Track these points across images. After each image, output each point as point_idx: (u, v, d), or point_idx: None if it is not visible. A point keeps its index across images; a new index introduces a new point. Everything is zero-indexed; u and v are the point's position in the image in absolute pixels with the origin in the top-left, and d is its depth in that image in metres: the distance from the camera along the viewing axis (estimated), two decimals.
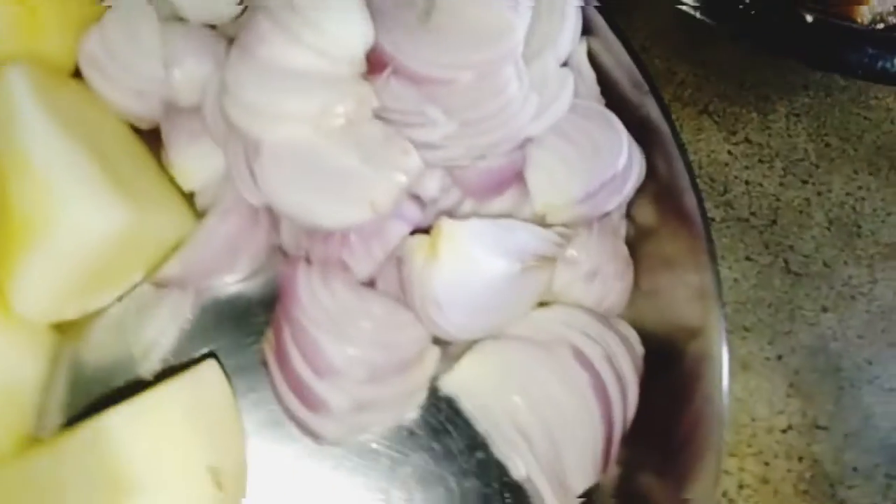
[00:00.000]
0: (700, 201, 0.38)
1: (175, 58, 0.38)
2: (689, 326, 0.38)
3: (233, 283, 0.41)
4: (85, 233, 0.32)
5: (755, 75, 0.51)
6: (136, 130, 0.40)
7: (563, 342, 0.37)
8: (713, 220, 0.47)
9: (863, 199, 0.49)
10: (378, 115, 0.36)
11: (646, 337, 0.39)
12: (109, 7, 0.38)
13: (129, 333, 0.38)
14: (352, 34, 0.35)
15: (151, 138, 0.40)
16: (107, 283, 0.36)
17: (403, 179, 0.35)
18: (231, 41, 0.38)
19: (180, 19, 0.40)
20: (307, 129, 0.35)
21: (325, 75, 0.35)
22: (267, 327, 0.39)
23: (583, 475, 0.37)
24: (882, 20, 0.49)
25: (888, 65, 0.42)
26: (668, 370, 0.38)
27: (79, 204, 0.32)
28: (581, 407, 0.36)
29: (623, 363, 0.37)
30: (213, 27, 0.40)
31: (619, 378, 0.37)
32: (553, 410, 0.37)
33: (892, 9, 0.49)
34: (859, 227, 0.48)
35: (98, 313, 0.38)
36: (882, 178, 0.50)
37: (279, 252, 0.41)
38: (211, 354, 0.38)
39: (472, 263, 0.35)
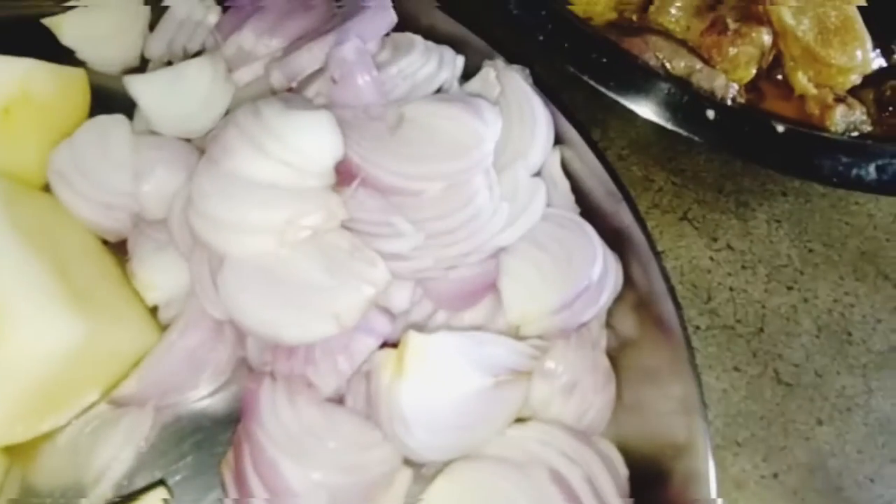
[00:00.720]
0: (679, 309, 0.37)
1: (146, 169, 0.38)
2: (675, 443, 0.36)
3: (196, 399, 0.39)
4: (37, 350, 0.31)
5: (733, 182, 0.51)
6: (106, 243, 0.40)
7: (540, 463, 0.35)
8: (698, 328, 0.46)
9: (851, 305, 0.48)
10: (346, 226, 0.36)
11: (630, 455, 0.37)
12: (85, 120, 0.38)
13: (82, 457, 0.36)
14: (320, 147, 0.35)
15: (121, 251, 0.40)
16: (60, 403, 0.35)
17: (370, 291, 0.34)
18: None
19: (154, 133, 0.40)
20: (272, 242, 0.35)
21: (292, 187, 0.35)
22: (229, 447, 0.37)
23: None
24: (856, 128, 0.50)
25: (863, 172, 0.42)
26: (655, 492, 0.36)
27: (31, 320, 0.31)
28: None
29: (605, 485, 0.35)
30: (187, 140, 0.41)
31: (599, 497, 0.34)
32: None
33: (863, 118, 0.50)
34: (850, 334, 0.47)
35: (50, 435, 0.36)
36: (870, 284, 0.49)
37: (245, 366, 0.39)
38: (160, 482, 0.35)
39: (440, 379, 0.34)
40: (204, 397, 0.39)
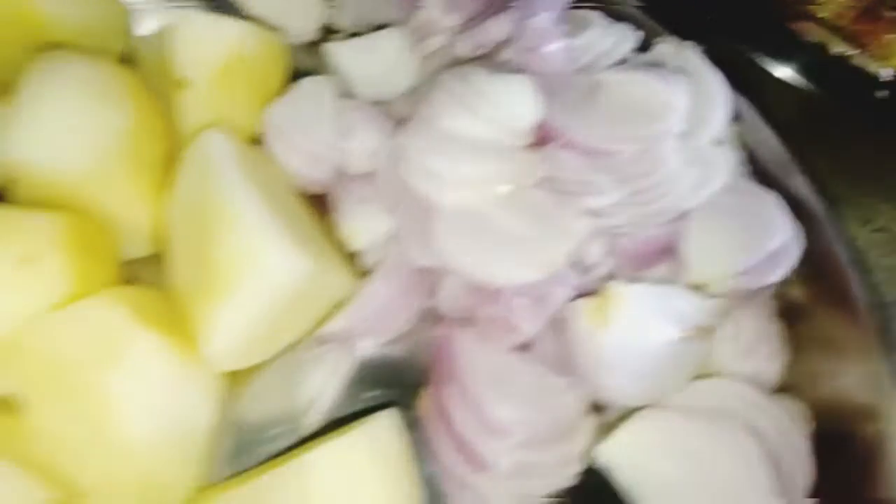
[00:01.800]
0: (860, 279, 0.39)
1: (350, 130, 0.41)
2: (860, 408, 0.37)
3: (384, 342, 0.41)
4: (277, 280, 0.34)
5: (892, 162, 0.52)
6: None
7: (732, 414, 0.36)
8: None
9: None
10: (543, 184, 0.38)
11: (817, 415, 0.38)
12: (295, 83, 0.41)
13: (292, 388, 0.39)
14: (522, 109, 0.38)
15: (314, 203, 0.43)
16: (279, 336, 0.38)
17: (573, 242, 0.36)
18: (397, 118, 0.42)
19: (352, 96, 0.43)
20: (479, 194, 0.37)
21: (497, 145, 0.38)
22: (415, 388, 0.39)
23: None
24: None
25: None
26: (838, 451, 0.37)
27: (274, 254, 0.34)
28: (752, 480, 0.35)
29: (794, 437, 0.36)
30: (379, 104, 0.44)
31: (793, 451, 0.36)
32: (718, 482, 0.36)
33: None
34: None
35: (262, 366, 0.39)
36: None
37: (427, 317, 0.42)
38: (387, 405, 0.38)
39: (640, 328, 0.36)
40: (390, 342, 0.42)
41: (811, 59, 0.44)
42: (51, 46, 0.39)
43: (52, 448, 0.32)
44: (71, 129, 0.35)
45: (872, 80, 0.45)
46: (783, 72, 0.45)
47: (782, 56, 0.44)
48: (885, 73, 0.49)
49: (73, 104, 0.35)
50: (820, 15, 0.53)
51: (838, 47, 0.50)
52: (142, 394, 0.32)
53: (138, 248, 0.38)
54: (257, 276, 0.34)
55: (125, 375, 0.32)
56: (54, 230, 0.32)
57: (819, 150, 0.51)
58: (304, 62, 0.47)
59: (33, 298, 0.31)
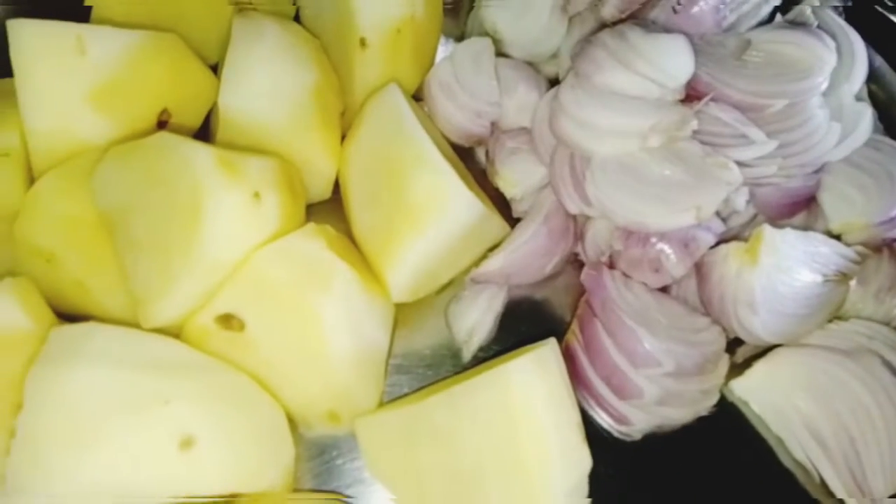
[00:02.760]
0: None
1: (509, 86, 0.44)
2: None
3: (533, 283, 0.45)
4: (460, 219, 0.39)
5: None
6: None
7: (870, 352, 0.39)
8: None
9: None
10: (694, 137, 0.41)
11: None
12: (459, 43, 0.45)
13: (452, 321, 0.43)
14: (678, 66, 0.41)
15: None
16: (448, 271, 0.42)
17: (726, 190, 0.39)
18: (548, 77, 0.45)
19: (506, 56, 0.47)
20: (635, 144, 0.40)
21: (652, 100, 0.41)
22: (560, 325, 0.43)
23: (884, 481, 0.38)
24: None
25: None
26: None
27: (458, 195, 0.39)
28: (890, 413, 0.38)
29: None
30: (530, 64, 0.47)
31: None
32: (856, 416, 0.39)
33: None
34: None
35: (426, 301, 0.43)
36: None
37: (572, 259, 0.46)
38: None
39: (786, 270, 0.39)
40: (539, 283, 0.45)
41: None
42: (238, 9, 0.43)
43: (262, 360, 0.37)
44: (273, 84, 0.40)
45: None
46: None
47: None
48: None
49: (273, 62, 0.40)
50: None
51: None
52: (343, 317, 0.37)
53: (322, 193, 0.43)
54: (445, 214, 0.39)
55: (332, 300, 0.37)
56: (272, 172, 0.37)
57: None
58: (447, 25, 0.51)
59: (258, 231, 0.36)
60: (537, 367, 0.34)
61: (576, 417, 0.37)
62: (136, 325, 0.35)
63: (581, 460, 0.36)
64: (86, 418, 0.30)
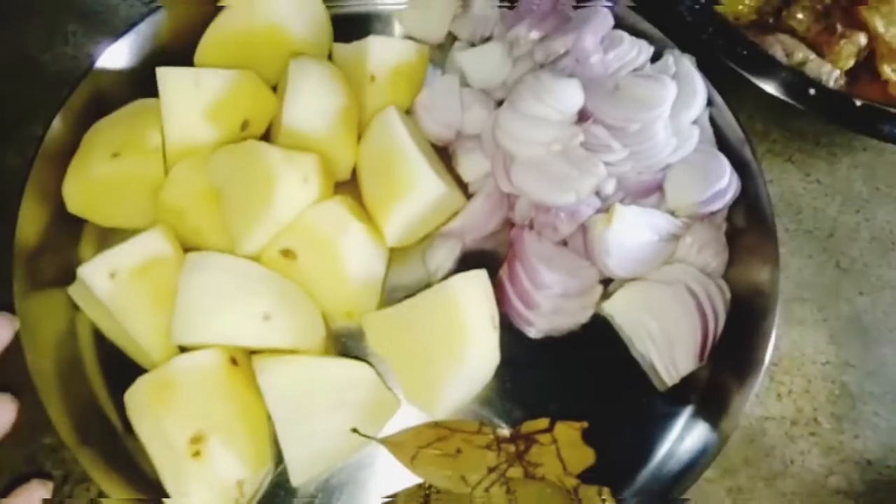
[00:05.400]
0: (771, 214, 0.63)
1: (468, 107, 0.68)
2: (760, 288, 0.62)
3: (479, 239, 0.69)
4: (429, 194, 0.62)
5: (828, 138, 0.75)
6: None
7: (682, 284, 0.62)
8: (787, 229, 0.71)
9: None
10: (582, 145, 0.64)
11: (733, 290, 0.64)
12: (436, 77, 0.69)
13: (426, 261, 0.66)
14: (572, 100, 0.63)
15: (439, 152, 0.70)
16: (424, 228, 0.66)
17: (595, 179, 0.62)
18: (496, 100, 0.68)
19: (468, 85, 0.70)
20: (542, 150, 0.64)
21: (554, 121, 0.64)
22: (499, 264, 0.67)
23: (686, 363, 0.62)
24: None
25: None
26: (742, 311, 0.63)
27: (427, 179, 0.61)
28: (690, 321, 0.61)
29: (717, 299, 0.62)
30: (486, 91, 0.70)
31: (714, 307, 0.62)
32: (672, 322, 0.62)
33: None
34: (893, 244, 0.71)
35: (410, 247, 0.67)
36: None
37: (507, 222, 0.69)
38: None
39: (629, 231, 0.62)
40: (484, 237, 0.69)
41: (769, 71, 0.67)
42: (294, 54, 0.67)
43: (306, 277, 0.61)
44: (317, 106, 0.63)
45: (808, 82, 0.68)
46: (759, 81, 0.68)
47: (753, 70, 0.67)
48: (825, 74, 0.71)
49: (317, 92, 0.63)
50: (794, 27, 0.75)
51: (801, 53, 0.73)
52: (356, 252, 0.60)
53: (344, 176, 0.67)
54: (419, 189, 0.61)
55: (349, 241, 0.60)
56: (315, 163, 0.61)
57: (779, 126, 0.75)
58: (435, 56, 0.74)
59: (305, 200, 0.60)
60: (473, 279, 0.58)
61: (495, 315, 0.61)
62: (233, 254, 0.60)
63: (495, 346, 0.60)
64: (212, 296, 0.55)
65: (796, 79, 0.68)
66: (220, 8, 0.66)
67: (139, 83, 0.64)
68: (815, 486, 0.61)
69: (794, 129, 0.75)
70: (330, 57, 0.71)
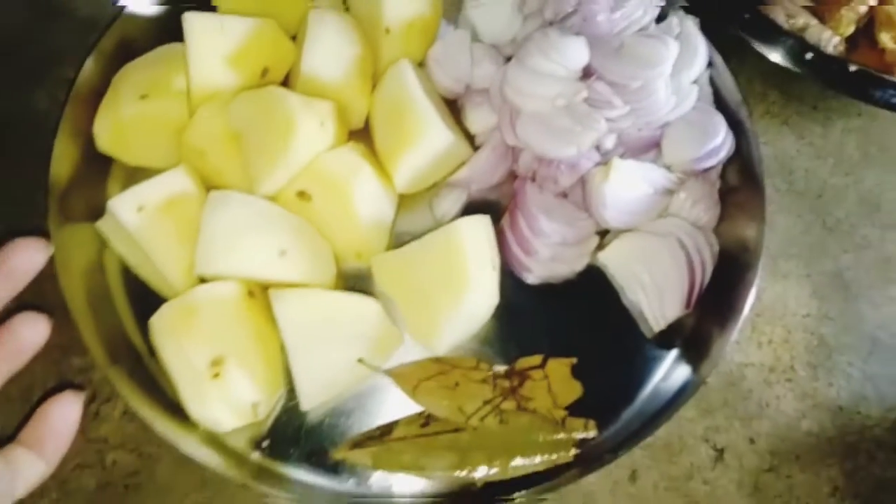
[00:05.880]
0: (762, 173, 0.66)
1: (477, 62, 0.71)
2: (746, 244, 0.66)
3: (484, 189, 0.72)
4: (438, 142, 0.65)
5: (824, 102, 0.77)
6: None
7: (673, 235, 0.66)
8: (778, 189, 0.74)
9: (887, 189, 0.75)
10: (585, 101, 0.67)
11: (721, 243, 0.68)
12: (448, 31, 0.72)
13: (434, 208, 0.70)
14: (577, 57, 0.66)
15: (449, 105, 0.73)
16: (432, 176, 0.69)
17: (596, 134, 0.65)
18: (505, 56, 0.71)
19: (479, 40, 0.73)
20: (547, 105, 0.67)
21: (560, 77, 0.67)
22: (502, 214, 0.70)
23: (673, 311, 0.66)
24: None
25: None
26: (729, 263, 0.66)
27: (436, 128, 0.65)
28: (679, 272, 0.65)
29: (705, 252, 0.66)
30: (495, 46, 0.73)
31: (702, 259, 0.65)
32: (662, 272, 0.65)
33: None
34: (879, 206, 0.74)
35: (419, 194, 0.71)
36: None
37: (511, 174, 0.73)
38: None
39: (626, 184, 0.66)
40: (489, 188, 0.72)
41: (770, 36, 0.70)
42: (312, 4, 0.70)
43: (320, 218, 0.65)
44: (334, 55, 0.66)
45: (805, 47, 0.70)
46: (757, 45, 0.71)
47: (754, 34, 0.70)
48: (825, 40, 0.74)
49: (334, 42, 0.66)
50: None
51: (803, 19, 0.76)
52: (367, 195, 0.64)
53: (358, 124, 0.71)
54: (428, 139, 0.65)
55: (361, 184, 0.64)
56: (331, 109, 0.64)
57: (778, 89, 0.77)
58: (448, 12, 0.76)
59: (322, 144, 0.63)
60: (476, 222, 0.62)
61: (496, 257, 0.65)
62: (252, 194, 0.64)
63: (494, 287, 0.64)
64: (233, 231, 0.58)
65: (794, 43, 0.70)
66: None
67: (166, 28, 0.67)
68: (788, 429, 0.66)
69: (792, 92, 0.78)
70: (347, 9, 0.73)
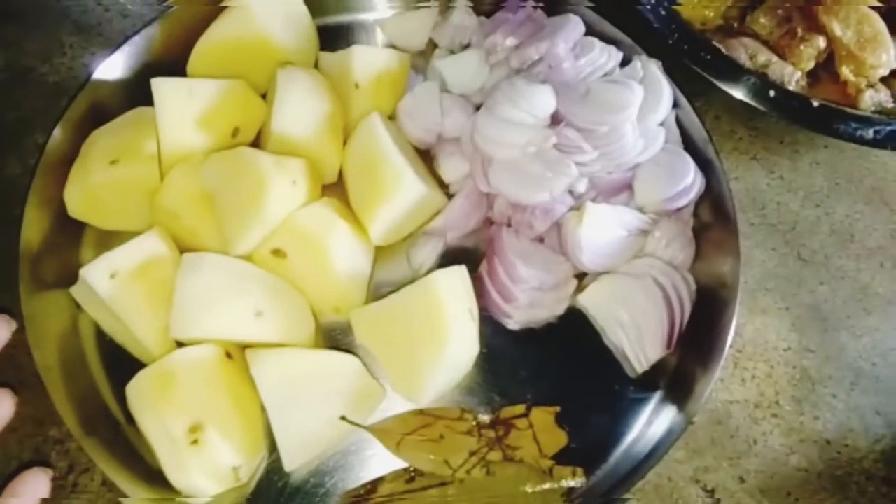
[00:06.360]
0: (733, 209, 0.67)
1: (447, 112, 0.71)
2: (723, 280, 0.66)
3: (460, 236, 0.72)
4: (411, 195, 0.65)
5: (791, 137, 0.79)
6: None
7: (650, 277, 0.66)
8: (752, 223, 0.75)
9: (857, 219, 0.76)
10: (555, 147, 0.68)
11: (698, 281, 0.68)
12: (417, 84, 0.72)
13: (410, 258, 0.70)
14: (545, 105, 0.67)
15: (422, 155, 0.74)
16: (407, 227, 0.70)
17: (567, 179, 0.66)
18: (475, 105, 0.72)
19: (448, 91, 0.74)
20: (517, 152, 0.67)
21: (529, 125, 0.68)
22: (479, 260, 0.71)
23: (655, 351, 0.66)
24: (881, 105, 0.76)
25: (864, 133, 0.70)
26: (707, 301, 0.67)
27: (409, 181, 0.65)
28: (658, 311, 0.65)
29: (683, 291, 0.66)
30: (464, 96, 0.74)
31: (680, 298, 0.65)
32: (641, 313, 0.66)
33: (887, 98, 0.76)
34: (852, 236, 0.75)
35: (395, 245, 0.71)
36: (873, 207, 0.76)
37: (487, 221, 0.73)
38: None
39: (600, 228, 0.66)
40: (465, 235, 0.73)
41: (733, 75, 0.72)
42: (282, 64, 0.71)
43: (296, 275, 0.64)
44: (304, 113, 0.66)
45: (768, 85, 0.72)
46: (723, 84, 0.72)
47: (718, 74, 0.72)
48: (787, 76, 0.75)
49: (304, 100, 0.67)
50: (757, 32, 0.79)
51: (764, 56, 0.77)
52: (343, 250, 0.64)
53: (331, 178, 0.71)
54: (401, 192, 0.65)
55: (337, 240, 0.64)
56: (303, 167, 0.64)
57: (745, 126, 0.79)
58: (417, 63, 0.78)
59: (294, 202, 0.63)
60: (452, 274, 0.62)
61: (474, 307, 0.65)
62: (226, 254, 0.63)
63: (474, 337, 0.64)
64: (207, 294, 0.58)
65: (757, 81, 0.72)
66: (214, 18, 0.69)
67: (135, 93, 0.68)
68: (777, 465, 0.65)
69: (759, 128, 0.79)
70: (316, 66, 0.74)
